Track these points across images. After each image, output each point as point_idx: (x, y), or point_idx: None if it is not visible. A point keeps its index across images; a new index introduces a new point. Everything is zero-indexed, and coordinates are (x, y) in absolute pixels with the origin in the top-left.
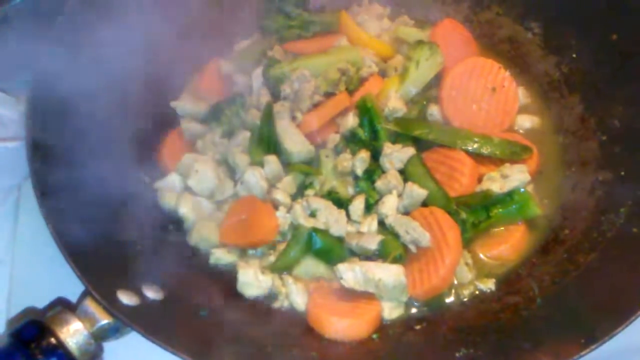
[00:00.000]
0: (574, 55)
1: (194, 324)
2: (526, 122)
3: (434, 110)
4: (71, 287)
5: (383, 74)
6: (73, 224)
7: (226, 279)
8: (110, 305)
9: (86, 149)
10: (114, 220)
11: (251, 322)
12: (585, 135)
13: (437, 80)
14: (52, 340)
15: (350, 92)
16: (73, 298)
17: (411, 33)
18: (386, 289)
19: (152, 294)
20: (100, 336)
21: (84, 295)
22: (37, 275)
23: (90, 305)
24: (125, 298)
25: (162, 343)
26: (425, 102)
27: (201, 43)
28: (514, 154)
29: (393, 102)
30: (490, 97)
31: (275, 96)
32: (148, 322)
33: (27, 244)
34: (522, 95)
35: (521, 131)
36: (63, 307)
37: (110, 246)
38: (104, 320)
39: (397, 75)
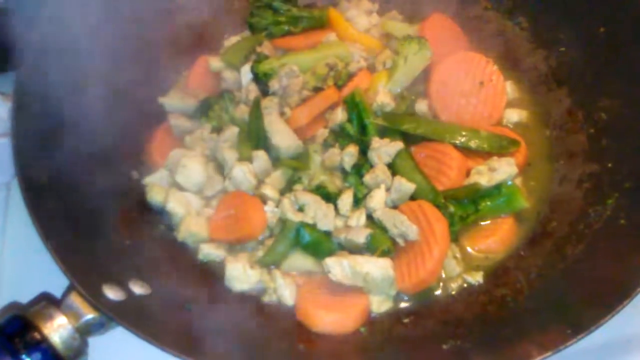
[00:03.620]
0: (562, 49)
1: (181, 319)
2: (514, 116)
3: (422, 105)
4: (59, 282)
5: (372, 69)
6: (59, 219)
7: (214, 274)
8: (96, 299)
9: (74, 146)
10: (101, 215)
11: (239, 317)
12: (573, 129)
13: (425, 74)
14: (36, 335)
15: (339, 87)
16: (60, 293)
17: (400, 28)
18: (374, 283)
19: (138, 289)
20: (85, 331)
21: (69, 289)
22: (26, 271)
23: (75, 300)
24: (111, 293)
25: (148, 338)
26: (413, 97)
27: (190, 39)
28: (502, 147)
29: (381, 96)
30: (479, 91)
31: (264, 92)
32: (134, 316)
33: (16, 241)
34: (510, 89)
35: (509, 125)
36: (47, 301)
37: (96, 241)
38: (89, 315)
39: (386, 70)
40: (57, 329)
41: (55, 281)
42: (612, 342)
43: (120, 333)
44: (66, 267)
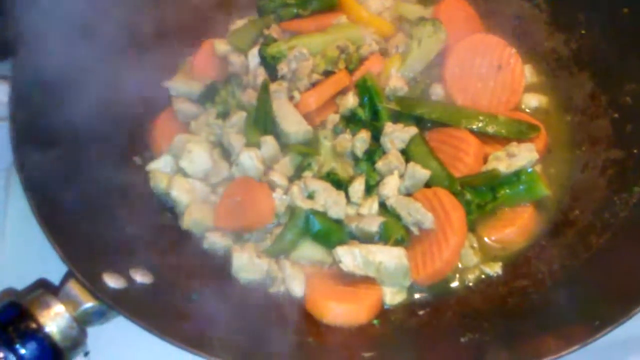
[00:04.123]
0: (583, 32)
1: (185, 309)
2: (533, 100)
3: (437, 89)
4: (57, 269)
5: (384, 53)
6: (58, 205)
7: (220, 263)
8: (95, 287)
9: (74, 131)
10: (103, 201)
11: (246, 308)
12: (595, 114)
13: (440, 58)
14: (31, 323)
15: (350, 71)
16: (59, 281)
17: (413, 10)
18: (387, 273)
19: (140, 277)
20: (83, 320)
21: (68, 277)
22: (25, 257)
23: (73, 288)
24: (111, 281)
25: (150, 328)
26: (428, 81)
27: (195, 22)
28: (521, 132)
29: (394, 81)
30: (496, 75)
31: (273, 76)
32: (135, 305)
33: (16, 226)
34: (528, 73)
35: (528, 110)
36: (45, 289)
37: (97, 228)
38: (88, 303)
39: (399, 54)
40: (54, 318)
41: (54, 268)
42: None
43: (121, 323)
44: (65, 253)
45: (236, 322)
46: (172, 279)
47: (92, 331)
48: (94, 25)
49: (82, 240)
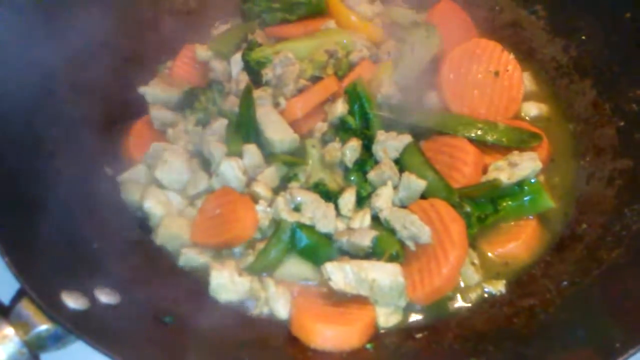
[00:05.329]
0: (584, 38)
1: (156, 332)
2: (533, 109)
3: (431, 97)
4: (9, 287)
5: (374, 60)
6: (14, 215)
7: (197, 282)
8: (51, 308)
9: (38, 134)
10: (66, 214)
11: (225, 331)
12: (599, 122)
13: (434, 65)
14: None
15: (340, 78)
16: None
17: (406, 15)
18: (382, 292)
19: (105, 297)
20: (36, 345)
21: (20, 295)
22: None
23: (25, 308)
24: (71, 301)
25: (115, 354)
26: (422, 89)
27: (175, 25)
28: (522, 141)
29: (386, 87)
30: (493, 81)
31: (256, 83)
32: (98, 328)
33: None
34: (527, 81)
35: (528, 118)
36: None
37: (58, 242)
38: (42, 326)
39: (391, 60)
40: (2, 342)
41: (4, 285)
42: None
43: (81, 349)
44: (17, 268)
45: (214, 347)
46: (143, 299)
47: (46, 358)
48: (68, 25)
49: (39, 254)
